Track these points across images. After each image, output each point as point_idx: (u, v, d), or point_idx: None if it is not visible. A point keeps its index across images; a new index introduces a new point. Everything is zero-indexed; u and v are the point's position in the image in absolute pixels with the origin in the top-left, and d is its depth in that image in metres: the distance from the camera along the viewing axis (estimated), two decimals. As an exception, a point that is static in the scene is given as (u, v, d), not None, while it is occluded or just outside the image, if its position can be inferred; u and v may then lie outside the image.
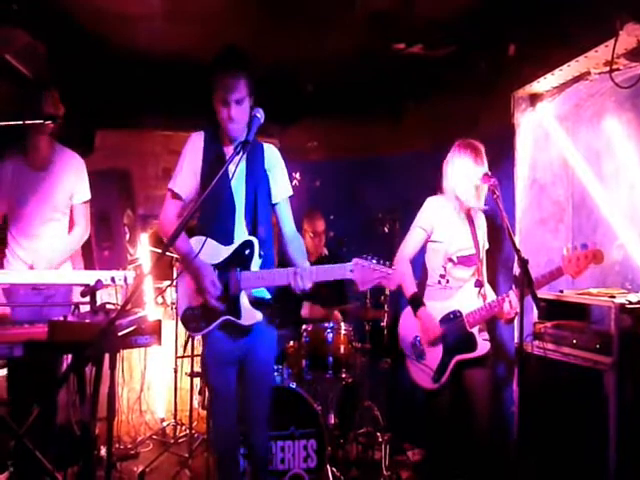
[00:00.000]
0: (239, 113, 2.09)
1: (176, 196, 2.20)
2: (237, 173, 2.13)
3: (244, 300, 2.09)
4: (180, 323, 2.18)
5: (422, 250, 2.81)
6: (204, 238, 2.09)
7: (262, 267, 2.15)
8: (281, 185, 2.26)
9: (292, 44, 3.34)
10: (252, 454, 2.28)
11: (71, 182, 2.84)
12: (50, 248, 2.76)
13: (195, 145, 2.20)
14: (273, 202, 2.26)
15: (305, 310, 3.67)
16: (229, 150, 2.18)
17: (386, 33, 3.31)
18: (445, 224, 2.71)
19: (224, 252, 2.13)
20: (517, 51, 3.18)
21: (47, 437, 2.44)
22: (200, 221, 2.21)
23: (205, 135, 2.22)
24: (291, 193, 2.30)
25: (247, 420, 2.21)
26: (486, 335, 2.67)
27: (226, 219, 2.15)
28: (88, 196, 2.90)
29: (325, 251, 3.96)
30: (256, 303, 2.13)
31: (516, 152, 3.28)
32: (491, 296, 2.72)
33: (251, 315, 2.09)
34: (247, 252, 2.11)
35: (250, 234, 2.16)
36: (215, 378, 2.19)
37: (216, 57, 2.12)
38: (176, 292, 2.34)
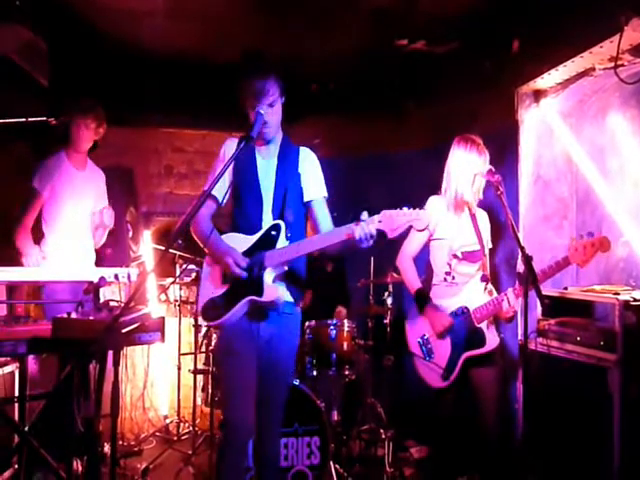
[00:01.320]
0: (272, 116, 2.11)
1: (210, 197, 2.17)
2: (266, 175, 2.16)
3: (267, 278, 2.07)
4: (185, 319, 2.16)
5: (426, 251, 2.81)
6: (230, 234, 2.14)
7: None
8: (314, 185, 2.24)
9: (295, 42, 3.34)
10: (262, 461, 2.22)
11: (99, 187, 3.22)
12: (74, 250, 3.03)
13: (227, 149, 2.22)
14: (305, 200, 2.23)
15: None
16: (261, 150, 2.21)
17: (389, 30, 3.30)
18: (447, 221, 2.71)
19: (250, 240, 2.13)
20: (521, 47, 3.17)
21: (52, 433, 2.44)
22: (233, 217, 2.22)
23: (239, 140, 2.18)
24: (326, 194, 2.27)
25: (258, 423, 2.14)
26: (495, 330, 2.67)
27: (254, 213, 2.16)
28: (105, 203, 3.25)
29: None
30: (279, 278, 2.12)
31: (520, 148, 3.26)
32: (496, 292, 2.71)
33: (273, 290, 2.06)
34: (273, 233, 2.11)
35: (278, 218, 2.16)
36: (230, 367, 2.12)
37: (241, 63, 2.13)
38: (197, 288, 2.31)
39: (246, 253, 2.10)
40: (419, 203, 2.78)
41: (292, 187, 2.19)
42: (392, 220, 1.97)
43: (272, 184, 2.18)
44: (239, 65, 2.13)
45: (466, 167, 2.63)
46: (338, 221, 4.16)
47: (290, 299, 2.18)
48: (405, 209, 2.00)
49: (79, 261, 3.04)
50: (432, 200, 2.76)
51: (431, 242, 2.77)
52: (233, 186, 2.18)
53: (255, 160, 2.20)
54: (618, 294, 2.57)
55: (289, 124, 2.31)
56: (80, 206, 3.10)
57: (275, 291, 2.07)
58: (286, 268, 2.12)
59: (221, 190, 2.18)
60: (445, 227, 2.71)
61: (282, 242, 2.11)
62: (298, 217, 2.21)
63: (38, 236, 3.03)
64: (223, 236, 2.17)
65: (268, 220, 2.16)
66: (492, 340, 2.60)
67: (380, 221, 1.98)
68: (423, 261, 2.87)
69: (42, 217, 3.02)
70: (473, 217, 2.74)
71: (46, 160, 3.03)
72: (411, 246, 2.76)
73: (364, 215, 1.98)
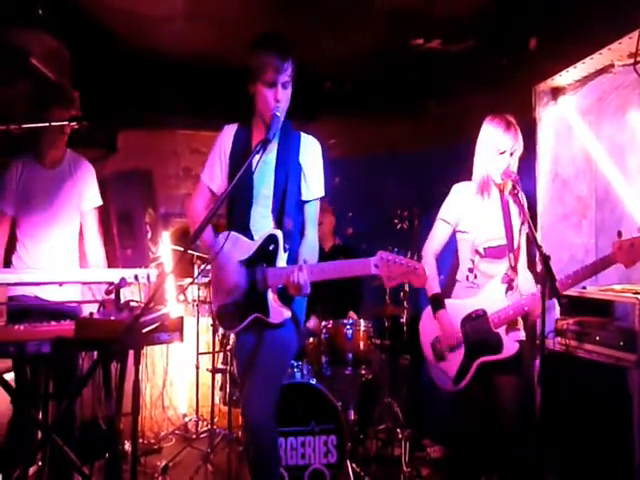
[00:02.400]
0: (284, 97, 2.05)
1: (205, 187, 2.20)
2: (265, 163, 2.09)
3: (271, 297, 2.05)
4: (203, 319, 2.19)
5: (454, 241, 2.64)
6: (227, 233, 2.06)
7: (289, 261, 2.09)
8: (313, 184, 2.16)
9: (311, 42, 3.35)
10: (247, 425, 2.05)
11: (81, 184, 2.76)
12: (52, 255, 2.67)
13: (226, 136, 2.19)
14: (302, 199, 2.16)
15: (311, 323, 3.61)
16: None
17: (404, 29, 3.30)
18: (472, 212, 2.51)
19: (250, 247, 2.09)
20: (538, 44, 3.14)
21: (69, 432, 2.48)
22: (227, 215, 2.19)
23: (238, 127, 2.19)
24: (322, 194, 2.20)
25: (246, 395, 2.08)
26: (518, 335, 2.48)
27: (242, 211, 2.12)
28: (99, 202, 2.84)
29: (337, 240, 3.98)
30: (283, 299, 2.09)
31: (538, 147, 3.23)
32: (528, 289, 2.49)
33: (279, 312, 2.05)
34: (272, 247, 2.06)
35: (276, 226, 2.10)
36: (242, 373, 2.15)
37: (259, 40, 2.07)
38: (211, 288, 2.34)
39: (248, 262, 2.07)
40: (435, 202, 2.78)
41: (292, 181, 2.10)
42: (390, 269, 1.88)
43: (271, 177, 2.11)
44: (255, 43, 2.07)
45: (490, 144, 2.45)
46: (353, 221, 4.18)
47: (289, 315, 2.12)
48: (402, 257, 1.88)
49: (58, 264, 2.69)
50: (456, 188, 2.59)
51: (457, 234, 2.59)
52: (229, 177, 2.13)
53: (254, 156, 2.05)
54: (638, 293, 2.53)
55: (304, 123, 2.31)
56: (54, 207, 2.69)
57: (282, 314, 2.05)
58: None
59: (218, 180, 2.17)
60: (470, 219, 2.52)
61: (281, 256, 2.06)
62: (296, 222, 2.14)
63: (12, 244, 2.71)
64: (223, 234, 2.08)
65: (262, 222, 2.11)
66: (510, 346, 2.42)
67: (377, 266, 1.89)
68: (450, 254, 2.74)
69: (16, 223, 2.70)
70: (505, 204, 2.49)
71: (3, 172, 2.66)
72: (434, 243, 2.60)
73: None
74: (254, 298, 2.05)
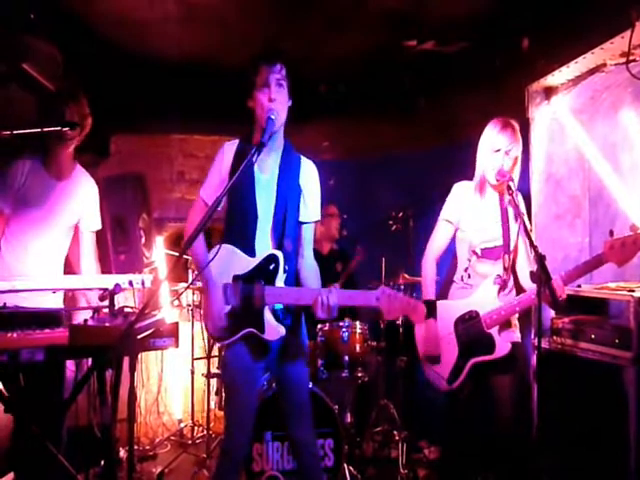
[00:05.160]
0: (280, 95, 2.06)
1: (204, 203, 2.18)
2: (265, 183, 2.12)
3: (268, 314, 2.06)
4: (198, 324, 2.17)
5: (453, 243, 2.66)
6: (218, 246, 2.03)
7: (286, 282, 2.11)
8: (311, 207, 2.21)
9: (304, 44, 3.35)
10: (300, 451, 2.22)
11: (84, 203, 2.73)
12: (37, 263, 2.60)
13: (225, 153, 2.18)
14: (300, 220, 2.19)
15: None
16: (262, 161, 2.12)
17: (398, 31, 3.30)
18: (471, 212, 2.54)
19: (248, 264, 2.08)
20: (531, 44, 3.15)
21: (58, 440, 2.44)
22: (225, 229, 2.18)
23: (238, 143, 2.19)
24: (318, 218, 2.25)
25: (290, 418, 2.20)
26: (512, 335, 2.51)
27: (247, 229, 2.11)
28: (99, 226, 2.82)
29: (334, 245, 3.99)
30: (278, 318, 2.10)
31: (531, 146, 3.24)
32: (523, 289, 2.52)
33: (275, 330, 2.06)
34: (272, 267, 2.07)
35: (276, 247, 2.11)
36: (234, 387, 2.15)
37: (254, 55, 2.12)
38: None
39: (246, 278, 2.07)
40: (428, 204, 2.79)
41: (292, 203, 2.14)
42: (390, 303, 1.95)
43: (272, 197, 2.13)
44: (250, 60, 2.11)
45: (486, 143, 2.49)
46: (348, 223, 4.18)
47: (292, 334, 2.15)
48: (403, 295, 1.98)
49: (41, 273, 2.60)
50: (456, 187, 2.61)
51: (457, 232, 2.61)
52: (228, 195, 2.08)
53: (253, 174, 2.12)
54: (633, 291, 2.54)
55: (298, 125, 2.30)
56: (50, 217, 2.63)
57: (277, 331, 2.06)
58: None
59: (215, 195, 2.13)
60: (469, 218, 2.54)
61: (280, 277, 2.08)
62: (295, 244, 2.17)
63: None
64: (224, 248, 2.07)
65: (265, 241, 2.11)
66: (503, 346, 2.45)
67: (378, 299, 1.95)
68: (450, 252, 2.73)
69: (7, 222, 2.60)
70: (503, 206, 2.52)
71: (6, 169, 2.58)
72: (436, 244, 2.60)
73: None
74: (249, 313, 2.05)
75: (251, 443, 2.26)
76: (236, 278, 2.07)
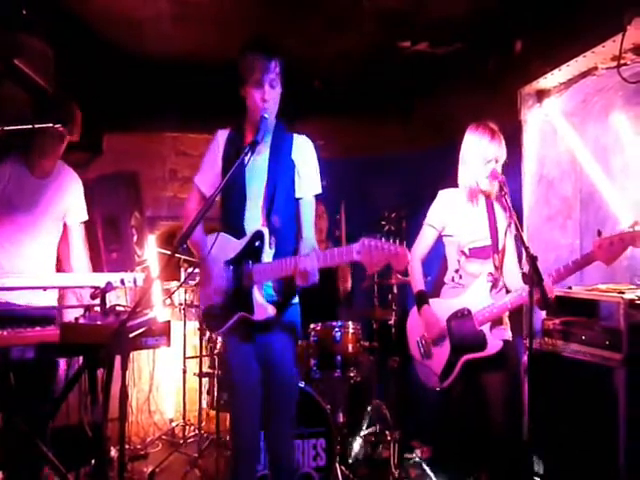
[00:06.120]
0: (272, 95, 2.06)
1: (197, 190, 2.20)
2: (257, 164, 2.09)
3: (257, 294, 2.04)
4: (190, 323, 2.17)
5: (442, 246, 2.69)
6: (216, 235, 2.05)
7: (275, 258, 2.07)
8: (307, 180, 2.14)
9: (300, 42, 3.35)
10: (274, 462, 2.18)
11: (69, 198, 2.73)
12: (30, 261, 2.61)
13: (218, 141, 2.20)
14: (296, 196, 2.15)
15: None
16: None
17: (392, 32, 3.31)
18: (458, 217, 2.57)
19: (237, 246, 2.08)
20: (523, 47, 3.17)
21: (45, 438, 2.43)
22: (220, 217, 2.18)
23: (230, 131, 2.20)
24: (319, 191, 2.17)
25: (270, 426, 2.15)
26: (503, 333, 2.52)
27: (237, 211, 2.11)
28: (85, 217, 2.81)
29: (330, 244, 3.99)
30: (268, 297, 2.09)
31: (523, 148, 3.27)
32: (515, 286, 2.51)
33: (264, 310, 2.03)
34: (257, 244, 2.04)
35: (264, 223, 2.09)
36: (236, 377, 2.14)
37: (247, 43, 2.08)
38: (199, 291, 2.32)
39: (234, 261, 2.06)
40: (423, 204, 2.79)
41: (283, 182, 2.10)
42: (372, 254, 1.85)
43: (264, 178, 2.11)
44: (243, 46, 2.07)
45: (477, 153, 2.50)
46: (345, 222, 4.16)
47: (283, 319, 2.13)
48: (384, 242, 1.86)
49: (34, 271, 2.60)
50: (441, 194, 2.65)
51: (443, 238, 2.65)
52: (220, 180, 2.09)
53: (243, 158, 2.03)
54: (623, 293, 2.57)
55: (293, 124, 2.30)
56: (37, 215, 2.63)
57: (265, 311, 2.03)
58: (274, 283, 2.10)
59: (209, 183, 2.16)
60: (455, 223, 2.58)
61: (267, 253, 2.05)
62: (286, 220, 2.12)
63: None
64: (212, 235, 2.09)
65: (254, 221, 2.10)
66: (494, 343, 2.47)
67: (359, 252, 1.86)
68: (439, 258, 2.77)
69: None
70: (490, 207, 2.55)
71: None
72: (420, 246, 2.65)
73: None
74: (239, 296, 2.05)
75: (258, 440, 2.19)
76: (227, 263, 2.08)
